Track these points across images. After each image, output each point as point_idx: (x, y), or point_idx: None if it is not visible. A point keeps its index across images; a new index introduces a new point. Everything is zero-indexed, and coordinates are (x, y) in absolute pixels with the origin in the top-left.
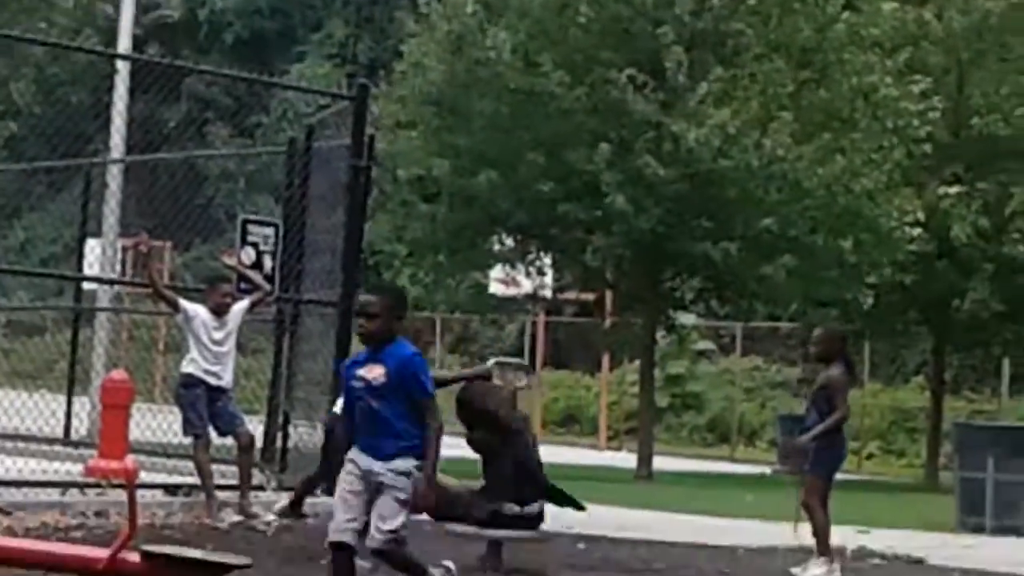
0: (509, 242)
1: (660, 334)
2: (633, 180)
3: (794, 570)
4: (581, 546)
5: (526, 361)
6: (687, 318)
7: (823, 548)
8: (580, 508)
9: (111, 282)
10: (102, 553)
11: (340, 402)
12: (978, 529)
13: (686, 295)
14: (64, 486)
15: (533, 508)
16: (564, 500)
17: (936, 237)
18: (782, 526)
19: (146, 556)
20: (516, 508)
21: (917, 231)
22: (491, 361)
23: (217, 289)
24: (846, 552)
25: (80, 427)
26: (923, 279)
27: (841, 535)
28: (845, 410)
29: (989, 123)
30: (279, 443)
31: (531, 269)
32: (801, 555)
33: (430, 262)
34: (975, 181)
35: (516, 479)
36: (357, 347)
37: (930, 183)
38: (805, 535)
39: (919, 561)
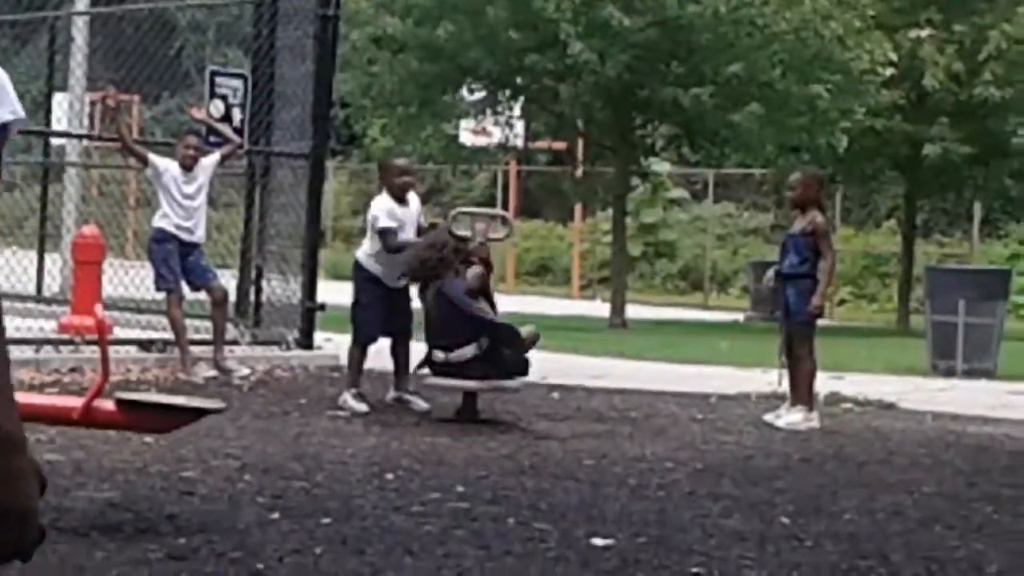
0: (479, 92)
1: (634, 182)
2: (599, 29)
3: (767, 417)
4: (555, 395)
5: (500, 211)
6: (661, 166)
7: (806, 396)
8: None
9: (79, 136)
10: (76, 402)
11: None
12: (949, 373)
13: (657, 142)
14: (37, 343)
15: (465, 353)
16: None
17: (908, 81)
18: (756, 372)
19: (120, 403)
20: (441, 355)
21: (889, 71)
22: (453, 212)
23: (183, 142)
24: (818, 398)
25: (52, 284)
26: (894, 124)
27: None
28: (833, 254)
29: None
30: (252, 297)
31: (501, 119)
32: (775, 402)
33: (400, 114)
34: (951, 24)
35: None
36: (328, 199)
37: (903, 28)
38: (786, 382)
39: (891, 406)
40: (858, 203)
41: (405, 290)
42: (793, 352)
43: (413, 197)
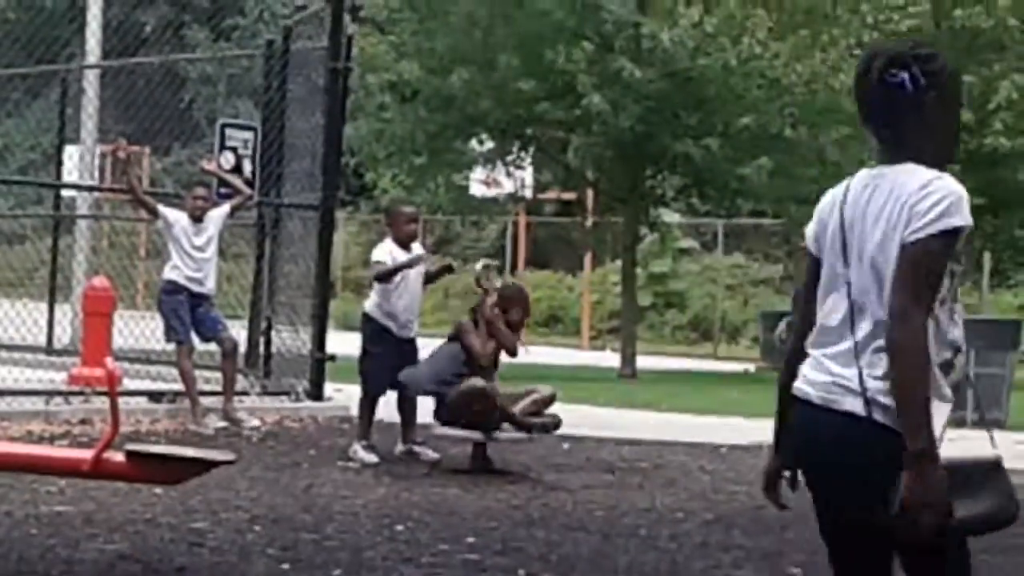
0: (489, 143)
1: (643, 232)
2: (611, 80)
3: None
4: (566, 446)
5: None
6: (670, 216)
7: None
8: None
9: (90, 188)
10: (87, 454)
11: None
12: (960, 423)
13: (667, 193)
14: (48, 394)
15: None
16: None
17: None
18: (766, 423)
19: (130, 455)
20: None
21: None
22: (480, 264)
23: (192, 193)
24: None
25: (63, 335)
26: None
27: None
28: None
29: (972, 15)
30: (262, 348)
31: (511, 169)
32: None
33: (410, 164)
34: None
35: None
36: (338, 249)
37: None
38: None
39: None
40: None
41: (412, 341)
42: None
43: (417, 247)
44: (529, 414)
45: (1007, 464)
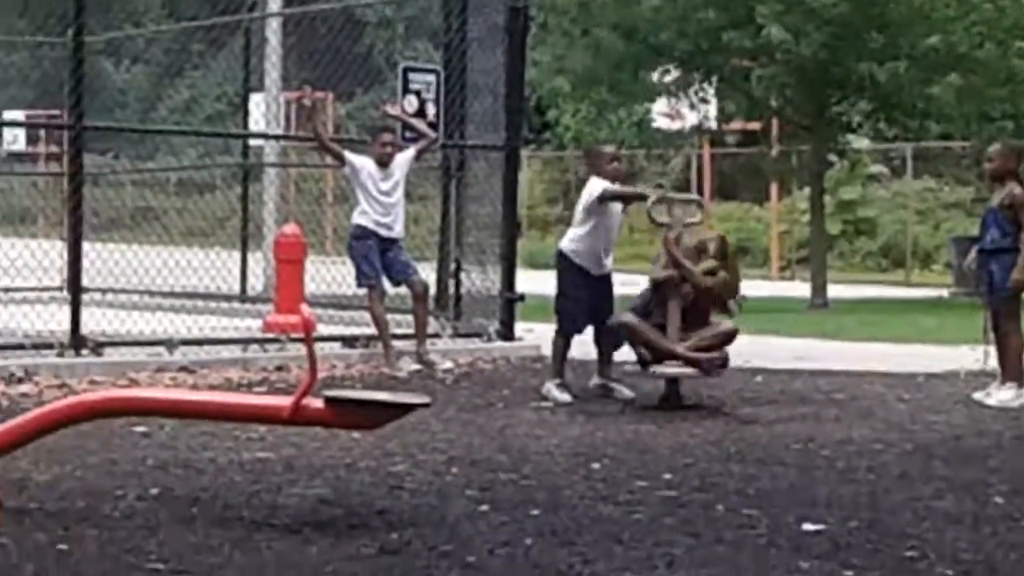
0: (673, 73)
1: (831, 159)
2: (792, 7)
3: (977, 395)
4: (758, 379)
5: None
6: (860, 142)
7: (1016, 372)
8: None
9: (277, 137)
10: (285, 401)
11: None
12: None
13: (854, 119)
14: (244, 343)
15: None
16: None
17: None
18: (963, 350)
19: (328, 401)
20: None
21: None
22: (654, 194)
23: (379, 139)
24: None
25: (256, 283)
26: None
27: None
28: None
29: None
30: (452, 290)
31: (695, 100)
32: (984, 379)
33: (592, 97)
34: None
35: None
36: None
37: None
38: (991, 359)
39: None
40: None
41: (607, 278)
42: (1000, 328)
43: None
44: (704, 348)
45: None
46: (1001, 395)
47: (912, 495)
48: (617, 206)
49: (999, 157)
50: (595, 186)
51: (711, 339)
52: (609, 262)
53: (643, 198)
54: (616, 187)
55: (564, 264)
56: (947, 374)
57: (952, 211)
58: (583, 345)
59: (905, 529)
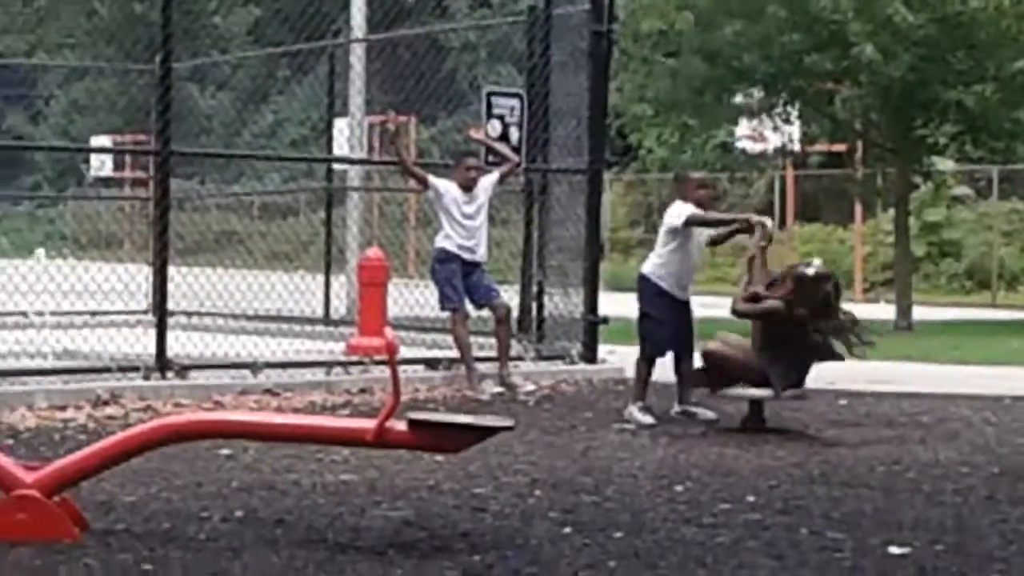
0: (755, 96)
1: (916, 181)
2: (881, 28)
3: None
4: (843, 402)
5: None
6: (945, 164)
7: None
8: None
9: (361, 162)
10: (369, 424)
11: None
12: None
13: (940, 141)
14: (328, 365)
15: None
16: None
17: None
18: None
19: (412, 424)
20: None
21: None
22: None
23: (463, 164)
24: None
25: (339, 306)
26: None
27: None
28: None
29: None
30: (535, 312)
31: (778, 123)
32: None
33: (675, 121)
34: None
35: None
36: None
37: None
38: None
39: None
40: None
41: (687, 303)
42: None
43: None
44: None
45: None
46: None
47: (999, 518)
48: (700, 232)
49: None
50: (679, 210)
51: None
52: (691, 288)
53: (726, 223)
54: (700, 212)
55: (647, 287)
56: None
57: None
58: (666, 368)
59: (992, 552)
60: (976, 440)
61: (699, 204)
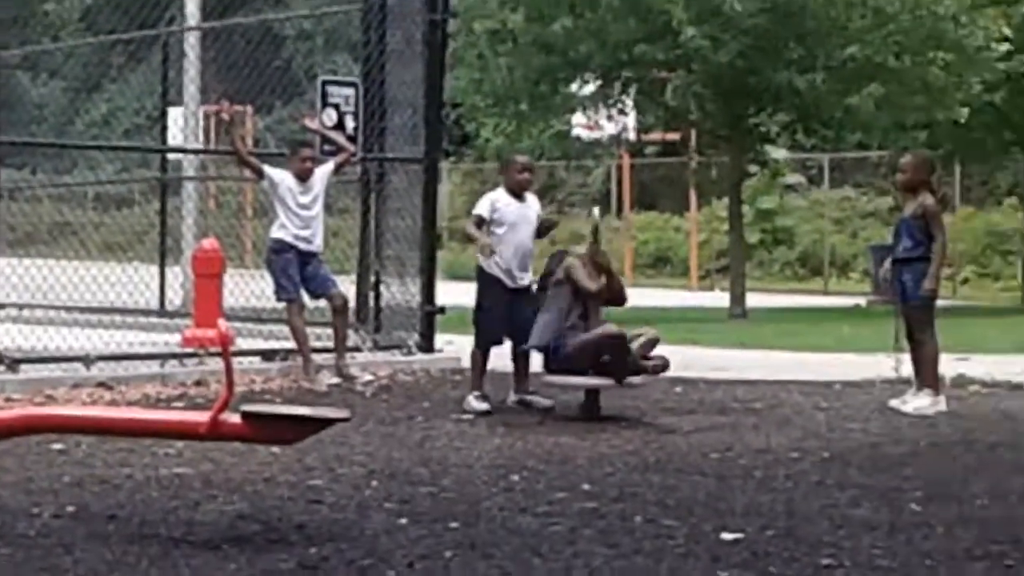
0: (590, 86)
1: (750, 169)
2: (710, 15)
3: (893, 402)
4: (678, 389)
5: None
6: (778, 152)
7: (931, 380)
8: None
9: (196, 151)
10: (203, 417)
11: None
12: None
13: (772, 129)
14: (162, 358)
15: None
16: None
17: None
18: (879, 358)
19: (246, 416)
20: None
21: (1005, 47)
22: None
23: (298, 154)
24: (944, 381)
25: (174, 297)
26: (1014, 98)
27: (940, 363)
28: (945, 236)
29: None
30: (372, 303)
31: (613, 112)
32: (900, 387)
33: (511, 111)
34: None
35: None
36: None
37: (1017, 3)
38: (905, 366)
39: (1020, 386)
40: (978, 181)
41: (526, 291)
42: (914, 336)
43: (532, 197)
44: (639, 358)
45: None
46: (917, 403)
47: (829, 503)
48: (529, 217)
49: (911, 168)
50: (486, 197)
51: (643, 348)
52: (527, 275)
53: (481, 250)
54: (469, 221)
55: (482, 277)
56: (864, 382)
57: (869, 220)
58: (503, 357)
59: (822, 537)
60: (807, 426)
61: (519, 188)
